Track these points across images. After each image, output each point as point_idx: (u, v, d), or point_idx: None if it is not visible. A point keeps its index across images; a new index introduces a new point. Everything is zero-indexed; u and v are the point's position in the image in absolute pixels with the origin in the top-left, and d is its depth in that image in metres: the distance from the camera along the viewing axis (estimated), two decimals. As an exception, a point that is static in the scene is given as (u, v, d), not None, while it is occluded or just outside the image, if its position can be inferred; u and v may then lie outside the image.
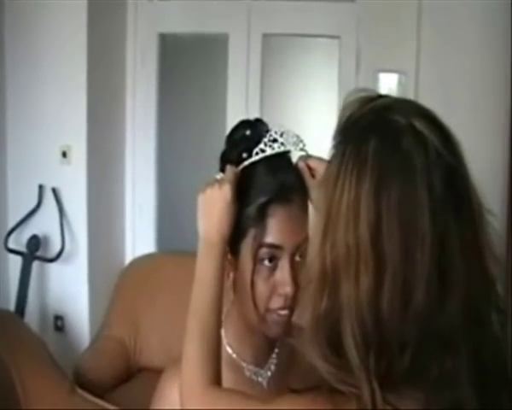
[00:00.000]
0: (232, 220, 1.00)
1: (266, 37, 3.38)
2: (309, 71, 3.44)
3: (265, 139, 1.02)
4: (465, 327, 0.73)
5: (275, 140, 1.02)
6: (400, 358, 0.72)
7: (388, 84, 3.19)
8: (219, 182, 1.01)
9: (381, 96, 0.82)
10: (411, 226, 0.71)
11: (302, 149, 1.05)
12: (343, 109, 0.81)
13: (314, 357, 0.76)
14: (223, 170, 1.05)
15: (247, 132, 1.05)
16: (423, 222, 0.71)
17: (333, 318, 0.75)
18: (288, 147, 1.03)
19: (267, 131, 1.05)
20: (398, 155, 0.73)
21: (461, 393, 0.73)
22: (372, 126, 0.77)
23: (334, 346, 0.75)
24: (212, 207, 0.99)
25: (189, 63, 3.57)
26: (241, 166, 1.03)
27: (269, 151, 1.02)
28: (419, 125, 0.75)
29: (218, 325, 0.98)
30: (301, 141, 1.05)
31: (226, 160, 1.06)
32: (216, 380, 0.93)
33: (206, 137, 3.48)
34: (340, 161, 0.77)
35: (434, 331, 0.72)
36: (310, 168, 1.03)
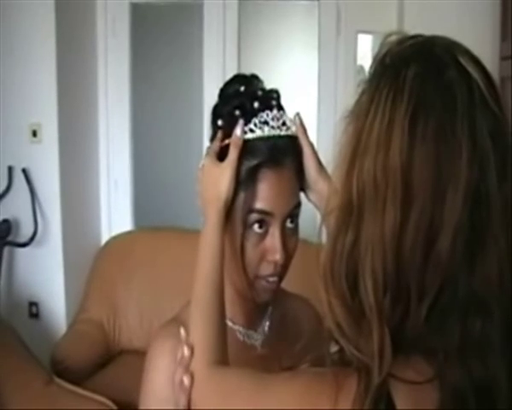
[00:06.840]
0: (229, 177, 0.96)
1: (243, 2, 3.27)
2: (288, 35, 3.34)
3: (256, 120, 0.99)
4: (500, 295, 0.67)
5: (266, 122, 0.99)
6: (417, 309, 0.67)
7: (370, 46, 3.10)
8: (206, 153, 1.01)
9: (421, 36, 0.76)
10: (446, 162, 0.66)
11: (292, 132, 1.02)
12: (380, 48, 0.75)
13: (329, 296, 0.72)
14: (214, 123, 1.03)
15: (241, 88, 1.02)
16: (460, 162, 0.66)
17: (355, 254, 0.70)
18: (279, 132, 1.00)
19: (262, 89, 1.02)
20: (440, 82, 0.68)
21: (489, 366, 0.66)
22: (412, 56, 0.71)
23: (350, 287, 0.71)
24: (205, 176, 0.99)
25: (162, 33, 3.46)
26: (227, 142, 0.99)
27: (258, 133, 0.99)
28: (464, 62, 0.70)
29: (222, 300, 0.94)
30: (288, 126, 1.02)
31: (218, 114, 1.03)
32: (222, 359, 0.89)
33: (183, 108, 3.40)
34: (374, 88, 0.71)
35: (460, 291, 0.67)
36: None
